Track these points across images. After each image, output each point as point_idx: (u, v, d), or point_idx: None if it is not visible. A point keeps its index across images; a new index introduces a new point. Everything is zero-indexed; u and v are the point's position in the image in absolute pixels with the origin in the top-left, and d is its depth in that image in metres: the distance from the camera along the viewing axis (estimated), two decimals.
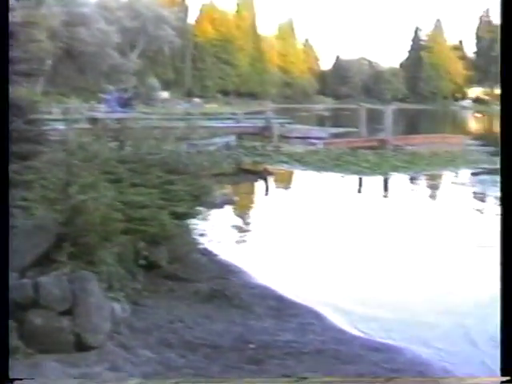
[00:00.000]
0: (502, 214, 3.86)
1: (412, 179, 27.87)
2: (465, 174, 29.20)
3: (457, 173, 29.06)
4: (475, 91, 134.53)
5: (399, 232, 16.70)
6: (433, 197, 24.45)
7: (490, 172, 28.54)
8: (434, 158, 31.70)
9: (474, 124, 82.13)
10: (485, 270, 12.63)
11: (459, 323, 9.85)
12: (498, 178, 26.00)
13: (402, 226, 17.46)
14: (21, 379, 5.92)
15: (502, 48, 4.26)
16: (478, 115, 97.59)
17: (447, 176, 28.41)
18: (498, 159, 24.57)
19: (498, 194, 23.08)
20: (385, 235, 16.20)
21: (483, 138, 46.45)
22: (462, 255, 14.40)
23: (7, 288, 4.04)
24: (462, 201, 22.19)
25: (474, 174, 28.76)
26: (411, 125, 70.85)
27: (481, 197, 22.93)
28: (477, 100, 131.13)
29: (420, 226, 17.61)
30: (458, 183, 25.78)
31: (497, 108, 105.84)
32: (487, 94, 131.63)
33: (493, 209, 20.61)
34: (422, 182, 27.74)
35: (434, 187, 26.68)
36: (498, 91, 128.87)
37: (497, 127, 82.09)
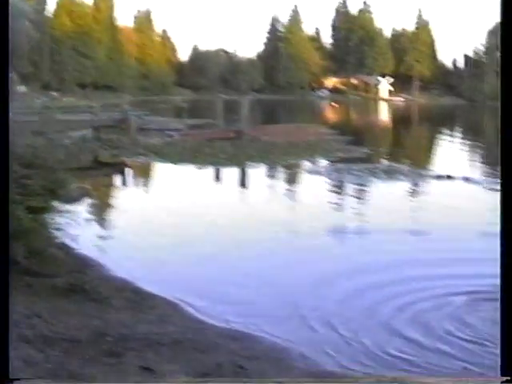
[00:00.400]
0: (501, 215, 3.96)
1: (269, 169, 28.32)
2: (321, 162, 29.82)
3: (313, 162, 29.65)
4: (332, 81, 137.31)
5: (255, 222, 17.04)
6: (289, 186, 24.91)
7: (345, 160, 29.35)
8: (290, 148, 32.16)
9: (330, 113, 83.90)
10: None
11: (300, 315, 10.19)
12: (353, 166, 26.87)
13: (258, 217, 17.82)
14: (21, 379, 5.85)
15: (502, 48, 4.27)
16: (335, 105, 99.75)
17: (304, 165, 28.92)
18: (353, 147, 25.39)
19: (354, 181, 23.89)
20: (241, 226, 16.50)
21: (339, 127, 47.53)
22: (314, 242, 14.89)
23: (7, 288, 3.95)
24: (318, 189, 22.75)
25: (330, 163, 29.47)
26: (268, 115, 71.71)
27: (337, 184, 23.55)
28: (333, 90, 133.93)
29: (276, 215, 17.97)
30: (314, 172, 26.31)
31: (353, 97, 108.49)
32: (343, 84, 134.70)
33: (348, 196, 21.32)
34: (279, 171, 28.21)
35: (290, 176, 27.16)
36: (354, 81, 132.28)
37: (353, 116, 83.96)
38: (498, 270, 12.34)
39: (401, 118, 78.51)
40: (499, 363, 7.65)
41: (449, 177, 25.01)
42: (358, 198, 21.54)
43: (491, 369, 7.85)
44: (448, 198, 21.48)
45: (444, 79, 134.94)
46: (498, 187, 23.88)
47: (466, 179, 24.85)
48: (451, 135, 54.79)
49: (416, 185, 24.04)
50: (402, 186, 23.53)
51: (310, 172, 26.48)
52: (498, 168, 31.02)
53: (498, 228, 14.36)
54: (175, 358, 7.86)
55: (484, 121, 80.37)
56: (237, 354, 8.24)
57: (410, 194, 22.52)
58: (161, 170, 28.00)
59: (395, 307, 10.36)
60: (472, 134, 55.39)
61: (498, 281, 11.64)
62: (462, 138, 51.00)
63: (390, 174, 25.61)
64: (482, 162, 35.17)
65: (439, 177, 25.20)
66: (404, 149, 42.29)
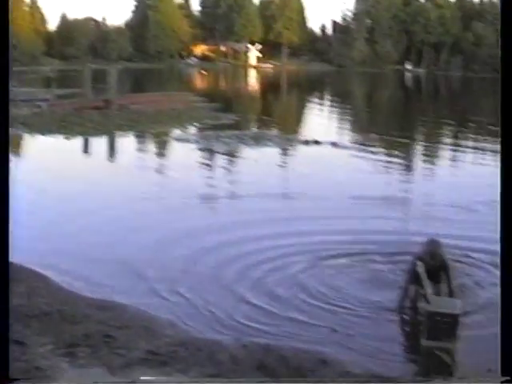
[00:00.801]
0: (501, 215, 3.99)
1: (138, 137, 28.18)
2: (190, 130, 29.85)
3: (182, 129, 29.63)
4: (201, 49, 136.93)
5: (124, 187, 17.05)
6: (159, 154, 24.84)
7: (213, 127, 29.46)
8: (158, 116, 32.05)
9: (199, 81, 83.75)
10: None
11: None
12: (222, 133, 27.02)
13: (127, 183, 17.80)
14: (21, 379, 5.74)
15: (502, 46, 4.27)
16: (204, 72, 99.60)
17: (173, 133, 28.86)
18: (222, 114, 25.51)
19: (223, 148, 24.05)
20: (109, 195, 16.44)
21: (208, 95, 47.57)
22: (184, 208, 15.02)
23: (7, 288, 3.81)
24: (187, 156, 22.80)
25: (198, 130, 29.53)
26: (137, 84, 71.02)
27: (206, 151, 23.63)
28: (203, 57, 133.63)
29: (145, 182, 17.97)
30: (182, 140, 26.29)
31: (222, 65, 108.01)
32: (213, 51, 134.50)
33: (217, 162, 21.46)
34: (148, 139, 28.08)
35: (159, 144, 27.04)
36: (223, 48, 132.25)
37: (222, 83, 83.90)
38: (365, 227, 12.76)
39: (270, 85, 79.10)
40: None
41: (316, 142, 25.47)
42: (228, 164, 21.70)
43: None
44: (316, 162, 21.95)
45: (313, 45, 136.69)
46: (366, 151, 24.64)
47: (334, 144, 25.39)
48: (320, 101, 55.71)
49: (284, 150, 24.40)
50: (270, 152, 23.82)
51: (179, 140, 26.45)
52: (365, 132, 31.98)
53: (366, 191, 14.80)
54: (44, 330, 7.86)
55: (352, 86, 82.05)
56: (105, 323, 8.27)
57: (279, 159, 22.82)
58: (29, 141, 27.32)
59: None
60: (340, 99, 56.40)
61: (364, 237, 12.12)
62: (331, 104, 51.94)
63: (258, 140, 25.86)
64: (351, 127, 36.03)
65: (307, 142, 25.64)
66: (273, 115, 42.68)
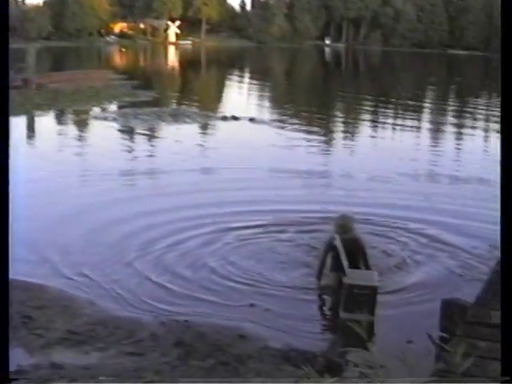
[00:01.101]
0: (501, 215, 3.98)
1: (57, 116, 27.81)
2: (109, 108, 29.56)
3: (100, 108, 29.33)
4: (120, 26, 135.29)
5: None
6: (78, 132, 24.53)
7: (132, 105, 29.24)
8: (77, 95, 31.62)
9: (118, 59, 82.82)
10: None
11: None
12: (140, 111, 26.85)
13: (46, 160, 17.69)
14: (21, 379, 5.68)
15: (502, 45, 4.22)
16: (123, 50, 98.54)
17: (91, 111, 28.53)
18: (140, 92, 25.28)
19: (142, 125, 23.91)
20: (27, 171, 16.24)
21: (127, 72, 47.15)
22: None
23: (7, 287, 3.71)
24: (107, 134, 22.64)
25: (117, 108, 29.28)
26: (57, 62, 69.79)
27: (125, 129, 23.47)
28: (122, 35, 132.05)
29: (66, 160, 17.82)
30: (101, 118, 26.03)
31: (141, 42, 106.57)
32: (132, 29, 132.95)
33: (137, 139, 21.38)
34: (68, 118, 27.72)
35: (79, 123, 26.68)
36: (142, 25, 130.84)
37: (141, 60, 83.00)
38: (282, 198, 12.82)
39: (189, 62, 78.71)
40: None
41: (235, 118, 25.53)
42: (147, 141, 21.63)
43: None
44: (235, 137, 22.06)
45: (232, 22, 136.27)
46: (285, 126, 24.83)
47: (252, 119, 25.50)
48: (240, 77, 55.70)
49: (203, 126, 24.42)
50: (189, 128, 23.81)
51: (98, 118, 26.18)
52: (285, 107, 32.14)
53: (286, 164, 14.92)
54: None
55: (271, 62, 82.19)
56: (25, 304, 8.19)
57: (198, 135, 22.84)
58: None
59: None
60: (260, 75, 56.47)
61: (284, 215, 12.24)
62: (250, 80, 52.00)
63: (177, 116, 25.78)
64: (270, 103, 36.17)
65: (225, 118, 25.69)
66: (192, 92, 42.55)
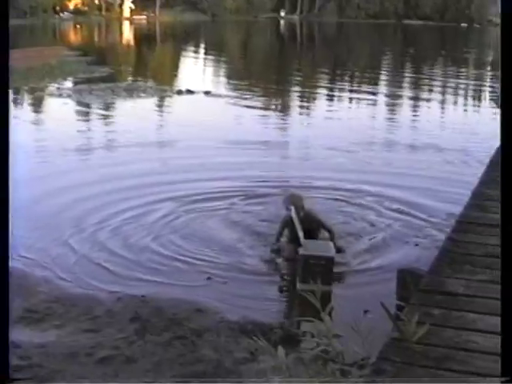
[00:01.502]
0: (502, 215, 3.92)
1: (12, 94, 27.45)
2: (63, 84, 29.25)
3: (55, 84, 29.00)
4: (75, 3, 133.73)
5: None
6: (34, 110, 24.24)
7: (86, 81, 28.97)
8: (31, 72, 31.29)
9: (73, 35, 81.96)
10: None
11: None
12: (95, 86, 26.61)
13: None
14: (21, 379, 5.54)
15: (502, 45, 4.17)
16: (78, 26, 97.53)
17: (46, 88, 28.19)
18: (95, 68, 25.04)
19: (97, 100, 23.72)
20: None
21: (82, 49, 46.76)
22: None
23: (7, 287, 3.61)
24: (63, 111, 22.45)
25: (72, 84, 29.00)
26: (11, 40, 68.46)
27: (79, 105, 23.29)
28: (76, 11, 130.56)
29: (24, 139, 17.63)
30: (56, 94, 25.75)
31: (96, 18, 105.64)
32: (86, 5, 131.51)
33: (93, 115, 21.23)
34: (23, 96, 27.38)
35: (34, 101, 26.34)
36: (96, 1, 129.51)
37: (96, 36, 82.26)
38: (241, 173, 12.91)
39: (144, 37, 78.04)
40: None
41: (190, 91, 25.44)
42: (103, 116, 21.49)
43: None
44: (191, 111, 22.02)
45: None
46: (240, 99, 24.79)
47: (207, 93, 25.44)
48: (195, 51, 55.42)
49: (158, 101, 24.32)
50: (144, 103, 23.70)
51: (53, 95, 25.89)
52: (240, 80, 32.05)
53: (242, 136, 15.06)
54: None
55: (227, 36, 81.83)
56: None
57: (153, 110, 22.75)
58: None
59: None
60: (215, 49, 56.26)
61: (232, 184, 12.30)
62: (206, 54, 51.79)
63: (132, 91, 25.62)
64: (226, 76, 36.05)
65: (180, 92, 25.60)
66: (147, 66, 42.27)
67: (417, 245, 9.50)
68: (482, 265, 5.84)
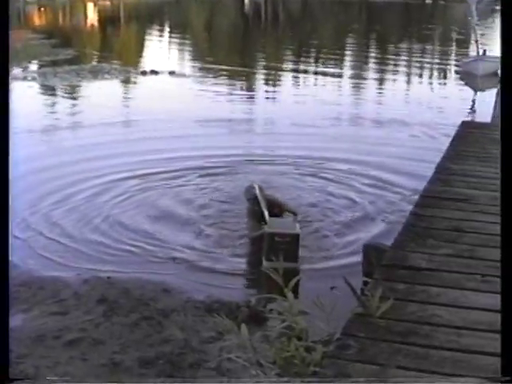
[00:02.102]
0: (502, 215, 3.90)
1: None
2: (28, 67, 28.98)
3: (20, 67, 28.71)
4: None
5: None
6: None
7: (51, 63, 28.72)
8: None
9: (37, 19, 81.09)
10: None
11: None
12: (59, 69, 26.37)
13: None
14: (21, 379, 5.28)
15: (502, 42, 4.14)
16: (42, 9, 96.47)
17: (11, 72, 27.90)
18: (60, 50, 24.82)
19: (62, 83, 23.54)
20: None
21: (46, 32, 46.32)
22: None
23: (7, 286, 3.56)
24: (29, 93, 22.26)
25: (37, 67, 28.75)
26: None
27: (44, 87, 23.13)
28: None
29: None
30: (21, 78, 25.48)
31: (61, 1, 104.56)
32: None
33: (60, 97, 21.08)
34: None
35: None
36: None
37: (61, 19, 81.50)
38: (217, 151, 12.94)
39: (109, 18, 77.28)
40: None
41: (154, 72, 25.32)
42: (68, 98, 21.38)
43: None
44: (155, 91, 21.96)
45: None
46: (206, 78, 24.72)
47: (172, 73, 25.35)
48: (160, 32, 55.09)
49: (123, 82, 24.22)
50: (109, 84, 23.60)
51: (17, 78, 25.60)
52: (205, 60, 31.94)
53: (208, 114, 15.07)
54: None
55: (191, 16, 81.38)
56: None
57: (118, 90, 22.65)
58: None
59: None
60: (180, 29, 55.94)
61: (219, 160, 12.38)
62: (170, 34, 51.49)
63: (96, 73, 25.44)
64: (191, 57, 35.90)
65: (144, 72, 25.49)
66: (111, 48, 41.94)
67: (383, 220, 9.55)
68: (445, 239, 5.87)
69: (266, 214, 8.44)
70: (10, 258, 8.25)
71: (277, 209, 8.88)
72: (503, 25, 4.02)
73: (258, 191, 8.79)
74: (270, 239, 7.95)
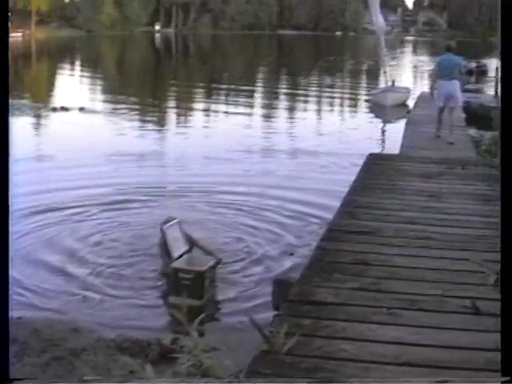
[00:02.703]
0: (502, 214, 3.81)
1: None
2: None
3: None
4: None
5: None
6: None
7: None
8: None
9: None
10: None
11: None
12: None
13: None
14: (21, 379, 4.97)
15: (502, 45, 4.07)
16: None
17: None
18: None
19: None
20: None
21: None
22: None
23: (7, 286, 3.66)
24: None
25: None
26: None
27: None
28: None
29: None
30: None
31: None
32: None
33: None
34: None
35: None
36: None
37: None
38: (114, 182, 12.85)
39: (20, 54, 76.46)
40: None
41: (64, 108, 25.08)
42: None
43: None
44: (65, 127, 21.78)
45: (62, 12, 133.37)
46: (116, 114, 24.57)
47: (82, 109, 25.16)
48: (70, 67, 54.67)
49: (34, 118, 23.93)
50: (19, 121, 23.24)
51: None
52: (116, 96, 31.75)
53: (117, 148, 14.98)
54: None
55: (102, 51, 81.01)
56: None
57: (28, 127, 22.33)
58: None
59: None
60: (91, 64, 55.63)
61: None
62: (81, 70, 51.15)
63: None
64: (102, 92, 35.68)
65: (55, 109, 25.23)
66: (22, 84, 41.34)
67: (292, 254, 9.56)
68: (351, 272, 5.89)
69: (174, 249, 8.39)
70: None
71: (189, 244, 8.82)
72: (503, 23, 4.14)
73: (170, 226, 8.71)
74: (175, 275, 7.90)
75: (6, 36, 3.99)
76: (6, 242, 3.68)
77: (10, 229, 3.87)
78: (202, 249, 8.82)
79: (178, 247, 8.50)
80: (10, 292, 4.89)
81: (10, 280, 5.91)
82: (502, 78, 4.23)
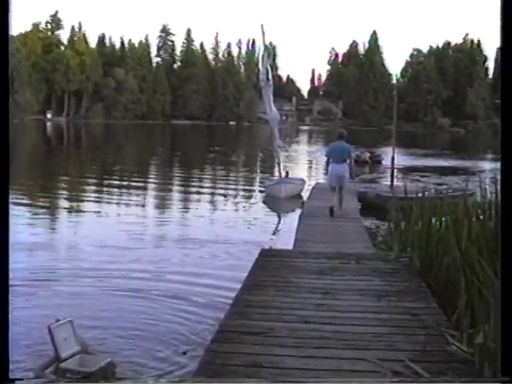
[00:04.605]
0: (502, 214, 3.59)
1: None
2: None
3: None
4: None
5: None
6: None
7: None
8: None
9: None
10: None
11: None
12: None
13: None
14: (21, 379, 5.33)
15: (502, 48, 3.90)
16: None
17: None
18: None
19: None
20: None
21: None
22: None
23: (7, 286, 3.89)
24: None
25: None
26: None
27: None
28: None
29: None
30: None
31: None
32: None
33: None
34: None
35: None
36: None
37: None
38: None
39: None
40: None
41: None
42: None
43: None
44: None
45: None
46: None
47: None
48: None
49: None
50: None
51: None
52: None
53: None
54: None
55: None
56: None
57: None
58: None
59: None
60: None
61: None
62: None
63: None
64: None
65: None
66: None
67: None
68: (243, 375, 5.66)
69: (59, 351, 7.98)
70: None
71: (80, 344, 8.41)
72: (504, 26, 4.11)
73: (58, 325, 8.28)
74: (63, 377, 7.53)
75: (6, 36, 4.11)
76: (6, 244, 3.94)
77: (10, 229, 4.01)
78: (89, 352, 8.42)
79: (67, 347, 8.08)
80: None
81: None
82: (501, 82, 4.28)
